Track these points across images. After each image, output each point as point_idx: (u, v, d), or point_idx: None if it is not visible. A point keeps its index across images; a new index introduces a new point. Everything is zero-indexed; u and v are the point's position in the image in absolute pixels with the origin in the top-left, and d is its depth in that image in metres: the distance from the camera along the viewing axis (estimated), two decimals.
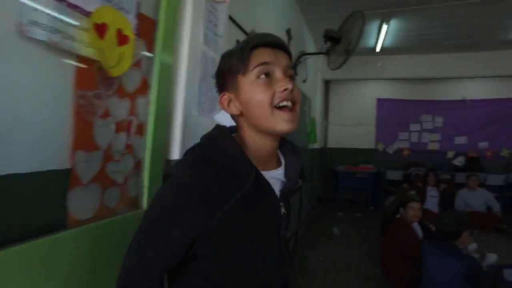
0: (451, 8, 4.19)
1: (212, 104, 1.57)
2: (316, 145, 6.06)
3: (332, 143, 7.47)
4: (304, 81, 4.44)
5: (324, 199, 6.85)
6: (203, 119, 1.50)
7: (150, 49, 1.21)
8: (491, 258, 3.00)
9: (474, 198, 5.37)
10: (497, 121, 6.64)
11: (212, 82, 1.56)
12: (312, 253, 3.80)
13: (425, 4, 4.08)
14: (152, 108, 1.22)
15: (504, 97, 6.62)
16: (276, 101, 0.71)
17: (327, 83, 7.33)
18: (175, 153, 1.35)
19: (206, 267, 0.72)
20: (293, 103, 0.73)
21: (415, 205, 2.90)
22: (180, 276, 0.75)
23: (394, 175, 6.56)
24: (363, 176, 6.55)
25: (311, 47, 4.98)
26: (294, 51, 3.92)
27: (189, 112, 1.41)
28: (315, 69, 5.92)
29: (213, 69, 1.51)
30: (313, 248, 4.01)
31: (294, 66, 0.85)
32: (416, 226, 3.22)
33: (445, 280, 2.36)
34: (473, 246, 2.84)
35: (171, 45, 1.30)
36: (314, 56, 5.58)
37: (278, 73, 0.73)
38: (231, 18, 1.91)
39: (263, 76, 0.72)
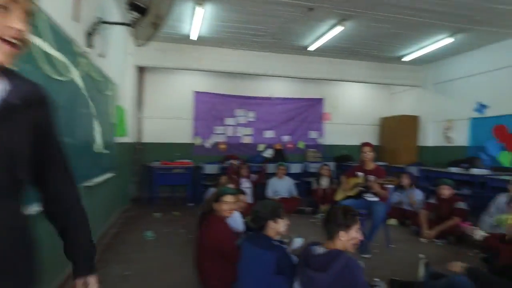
0: (258, 3, 4.30)
1: None
2: (127, 139, 5.27)
3: (147, 138, 6.79)
4: (101, 56, 3.62)
5: (139, 200, 6.14)
6: None
7: None
8: (298, 242, 3.12)
9: (282, 186, 5.88)
10: (294, 117, 7.60)
11: None
12: (117, 268, 3.08)
13: None
14: None
15: (298, 97, 7.65)
16: (3, 34, 0.75)
17: (141, 71, 6.60)
18: None
19: None
20: (22, 43, 0.78)
21: (229, 198, 2.67)
22: None
23: (212, 168, 6.50)
24: (180, 172, 6.18)
25: (114, 17, 4.17)
26: (88, 15, 3.08)
27: None
28: (125, 52, 5.12)
29: None
30: (120, 261, 3.29)
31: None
32: (236, 220, 3.04)
33: (259, 274, 2.18)
34: (299, 241, 2.86)
35: None
36: (123, 36, 4.81)
37: (17, 12, 0.75)
38: None
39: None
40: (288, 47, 6.10)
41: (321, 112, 7.77)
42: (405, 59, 6.46)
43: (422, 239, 4.16)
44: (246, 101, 7.30)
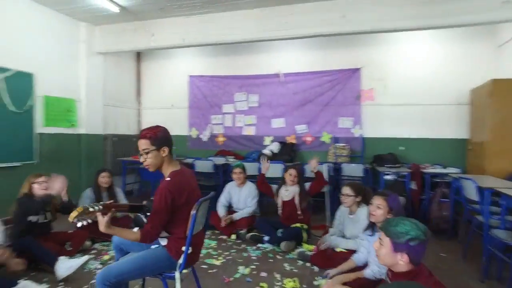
0: None
1: None
2: (82, 130, 4.94)
3: None
4: None
5: None
6: None
7: None
8: None
9: (239, 196, 4.06)
10: (314, 100, 5.34)
11: None
12: None
13: None
14: None
15: (319, 70, 5.30)
16: None
17: (138, 60, 6.23)
18: None
19: None
20: None
21: None
22: None
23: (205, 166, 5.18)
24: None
25: None
26: None
27: None
28: (71, 36, 4.81)
29: None
30: None
31: None
32: None
33: None
34: None
35: None
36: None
37: None
38: None
39: None
40: None
41: (358, 89, 5.16)
42: None
43: None
44: (246, 82, 5.67)
